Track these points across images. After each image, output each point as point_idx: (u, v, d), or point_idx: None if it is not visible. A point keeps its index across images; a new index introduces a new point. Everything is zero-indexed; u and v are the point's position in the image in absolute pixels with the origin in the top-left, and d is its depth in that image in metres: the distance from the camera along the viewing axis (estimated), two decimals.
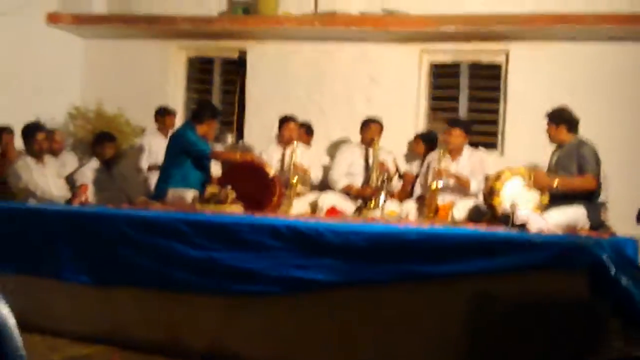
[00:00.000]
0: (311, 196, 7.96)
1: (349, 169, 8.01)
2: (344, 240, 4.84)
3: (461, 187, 7.39)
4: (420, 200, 7.52)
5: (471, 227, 6.18)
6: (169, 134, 8.09)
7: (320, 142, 9.00)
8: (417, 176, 8.05)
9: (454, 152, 7.57)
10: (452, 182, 7.41)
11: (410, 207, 7.52)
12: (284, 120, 8.16)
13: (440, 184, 7.25)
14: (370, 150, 7.87)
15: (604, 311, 4.31)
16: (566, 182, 6.37)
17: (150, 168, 8.63)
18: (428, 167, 7.65)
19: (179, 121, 9.16)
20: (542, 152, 7.04)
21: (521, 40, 8.66)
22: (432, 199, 7.17)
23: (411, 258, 4.65)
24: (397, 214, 7.35)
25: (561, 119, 6.62)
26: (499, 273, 4.47)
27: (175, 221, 5.35)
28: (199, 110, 7.49)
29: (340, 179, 7.95)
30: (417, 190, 7.80)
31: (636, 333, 4.38)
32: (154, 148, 8.71)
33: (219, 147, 8.66)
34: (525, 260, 4.43)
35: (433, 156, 7.67)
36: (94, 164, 7.98)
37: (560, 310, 4.29)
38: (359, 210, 7.62)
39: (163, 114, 8.99)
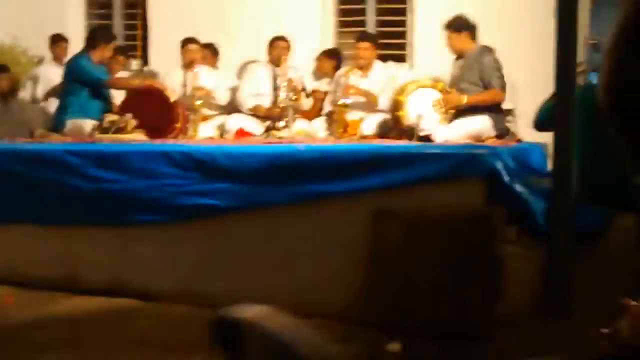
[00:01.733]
0: (219, 119, 7.79)
1: (257, 89, 7.82)
2: (239, 164, 4.73)
3: (371, 104, 7.28)
4: (329, 117, 7.41)
5: (377, 142, 6.12)
6: (64, 63, 7.78)
7: (227, 64, 8.75)
8: (326, 93, 7.92)
9: (364, 68, 7.44)
10: (360, 98, 7.28)
11: (319, 126, 7.41)
12: (185, 43, 7.92)
13: (348, 100, 7.12)
14: (278, 70, 7.69)
15: (499, 219, 4.31)
16: (475, 99, 6.32)
17: (46, 97, 8.36)
18: (337, 83, 7.52)
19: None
20: (450, 64, 6.94)
21: None
22: (340, 115, 7.06)
23: (307, 178, 4.59)
24: (306, 132, 7.23)
25: (462, 26, 6.52)
26: (396, 187, 4.44)
27: (64, 153, 5.13)
28: (92, 37, 7.22)
29: (247, 100, 7.77)
30: (327, 108, 7.69)
31: (531, 238, 4.42)
32: (50, 77, 8.39)
33: (123, 74, 8.38)
34: (421, 173, 4.41)
35: (341, 73, 7.54)
36: None
37: (457, 221, 4.28)
38: (267, 130, 7.46)
39: (55, 42, 8.65)
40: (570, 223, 4.34)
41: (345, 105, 7.04)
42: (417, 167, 4.41)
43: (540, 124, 5.09)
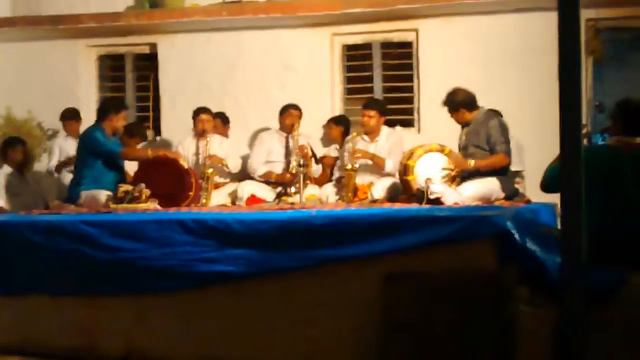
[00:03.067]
0: (231, 186, 7.90)
1: (268, 156, 7.99)
2: (252, 230, 4.82)
3: (378, 167, 7.40)
4: (339, 182, 7.53)
5: (387, 206, 6.19)
6: (79, 135, 7.92)
7: (237, 132, 8.89)
8: (335, 159, 8.06)
9: (371, 133, 7.60)
10: (368, 162, 7.41)
11: (330, 191, 7.51)
12: (197, 112, 8.06)
13: (357, 164, 7.22)
14: (289, 137, 7.86)
15: (511, 279, 4.34)
16: (481, 164, 6.41)
17: (59, 168, 8.49)
18: (345, 149, 7.65)
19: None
20: (458, 127, 7.05)
21: (430, 17, 8.66)
22: (349, 180, 7.16)
23: (320, 243, 4.66)
24: (317, 198, 7.32)
25: (456, 104, 6.65)
26: (408, 250, 4.49)
27: (80, 223, 5.22)
28: (102, 108, 7.33)
29: (259, 166, 7.93)
30: (336, 173, 7.82)
31: (545, 298, 4.43)
32: (64, 149, 8.57)
33: (140, 145, 8.53)
34: (432, 236, 4.47)
35: (349, 138, 7.68)
36: (5, 169, 7.78)
37: (468, 282, 4.32)
38: (279, 197, 7.55)
39: (67, 117, 8.79)
40: (581, 283, 4.35)
41: (354, 169, 7.13)
42: (428, 230, 4.47)
43: (548, 186, 5.14)
